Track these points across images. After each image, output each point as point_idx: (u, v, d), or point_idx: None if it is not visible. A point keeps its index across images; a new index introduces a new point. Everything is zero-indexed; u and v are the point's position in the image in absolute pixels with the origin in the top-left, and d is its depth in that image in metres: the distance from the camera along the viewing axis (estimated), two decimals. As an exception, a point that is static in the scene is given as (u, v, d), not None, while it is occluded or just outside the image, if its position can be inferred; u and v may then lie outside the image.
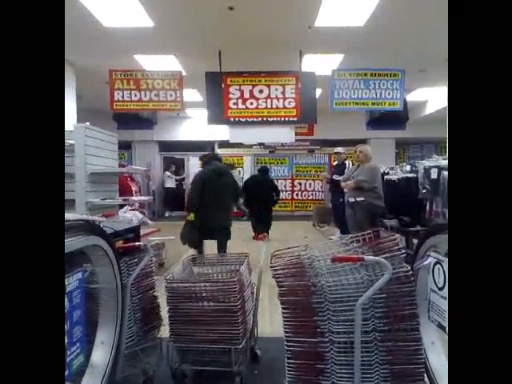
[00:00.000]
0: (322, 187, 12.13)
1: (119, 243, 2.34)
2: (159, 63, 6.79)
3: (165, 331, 2.43)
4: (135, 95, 6.35)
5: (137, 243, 2.40)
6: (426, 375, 1.82)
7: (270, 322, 3.17)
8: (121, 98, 6.36)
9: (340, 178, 6.42)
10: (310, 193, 12.21)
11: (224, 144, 11.49)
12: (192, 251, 4.39)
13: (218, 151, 12.50)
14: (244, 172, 12.18)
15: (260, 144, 11.27)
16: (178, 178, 12.11)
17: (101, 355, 2.05)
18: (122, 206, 5.53)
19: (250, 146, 11.61)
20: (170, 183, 12.23)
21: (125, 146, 11.44)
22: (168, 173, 12.24)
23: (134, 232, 2.69)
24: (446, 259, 1.61)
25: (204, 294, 2.23)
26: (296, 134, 6.96)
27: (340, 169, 7.29)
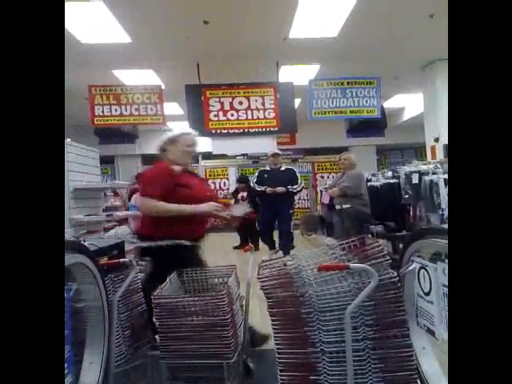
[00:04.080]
0: (307, 196, 12.17)
1: (104, 260, 2.31)
2: (138, 78, 6.80)
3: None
4: (116, 110, 6.34)
5: (121, 259, 2.37)
6: (418, 381, 1.83)
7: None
8: (101, 113, 6.34)
9: (279, 189, 5.95)
10: (297, 201, 12.23)
11: (208, 155, 11.50)
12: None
13: (202, 163, 12.50)
14: (229, 183, 12.19)
15: (243, 155, 11.32)
16: None
17: (90, 375, 2.01)
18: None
19: (234, 157, 11.64)
20: None
21: (108, 161, 11.33)
22: None
23: (118, 248, 2.66)
24: (431, 264, 1.64)
25: (193, 309, 2.21)
26: (278, 143, 7.03)
27: (283, 176, 6.19)
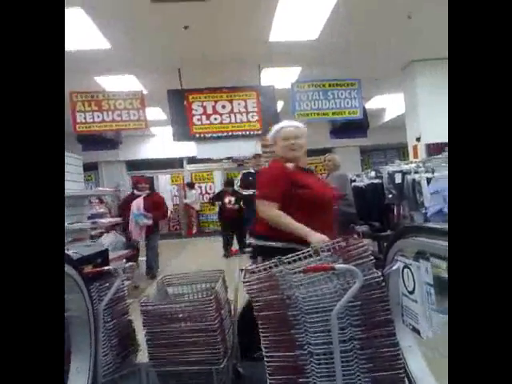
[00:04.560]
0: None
1: (88, 268, 2.29)
2: (120, 83, 6.74)
3: (143, 356, 2.38)
4: (98, 116, 6.27)
5: (105, 267, 2.35)
6: (406, 379, 1.84)
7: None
8: (83, 120, 6.27)
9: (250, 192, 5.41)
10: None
11: (193, 160, 11.46)
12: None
13: (187, 168, 12.45)
14: (215, 187, 12.15)
15: (228, 158, 11.31)
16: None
17: (77, 385, 1.99)
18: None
19: (219, 161, 11.62)
20: None
21: (91, 168, 11.21)
22: None
23: (102, 256, 2.64)
24: (414, 263, 1.66)
25: (180, 315, 2.20)
26: (263, 146, 7.02)
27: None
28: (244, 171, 6.23)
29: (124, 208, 5.86)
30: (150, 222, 5.53)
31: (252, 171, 5.98)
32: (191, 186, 11.82)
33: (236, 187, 6.00)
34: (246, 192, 5.77)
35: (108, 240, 5.11)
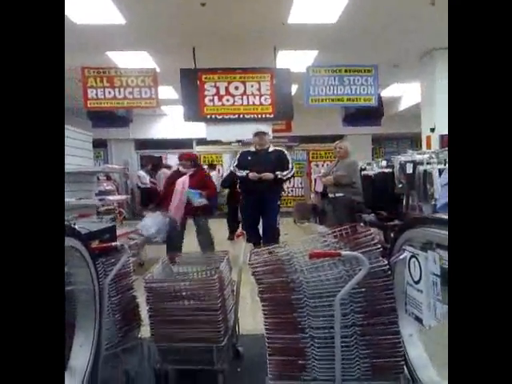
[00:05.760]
0: (301, 183, 12.19)
1: (96, 243, 2.31)
2: (132, 60, 6.71)
3: (146, 331, 2.41)
4: (109, 93, 6.25)
5: (113, 243, 2.37)
6: (405, 367, 1.85)
7: (253, 319, 3.17)
8: (95, 96, 6.24)
9: (266, 175, 4.88)
10: (290, 189, 12.26)
11: (202, 141, 11.43)
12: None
13: (197, 149, 12.42)
14: (223, 170, 12.12)
15: (238, 141, 11.25)
16: (145, 183, 11.69)
17: (80, 358, 2.02)
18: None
19: (229, 144, 11.57)
20: (144, 182, 11.89)
21: (100, 145, 11.24)
22: (142, 172, 11.92)
23: (109, 232, 2.66)
24: (422, 253, 1.64)
25: (184, 293, 2.21)
26: (274, 130, 6.93)
27: (271, 159, 5.06)
28: (243, 149, 5.47)
29: (170, 186, 5.13)
30: (204, 201, 4.91)
31: (252, 150, 5.23)
32: (213, 167, 11.73)
33: (232, 167, 5.29)
34: (239, 173, 5.08)
35: (149, 221, 4.83)
